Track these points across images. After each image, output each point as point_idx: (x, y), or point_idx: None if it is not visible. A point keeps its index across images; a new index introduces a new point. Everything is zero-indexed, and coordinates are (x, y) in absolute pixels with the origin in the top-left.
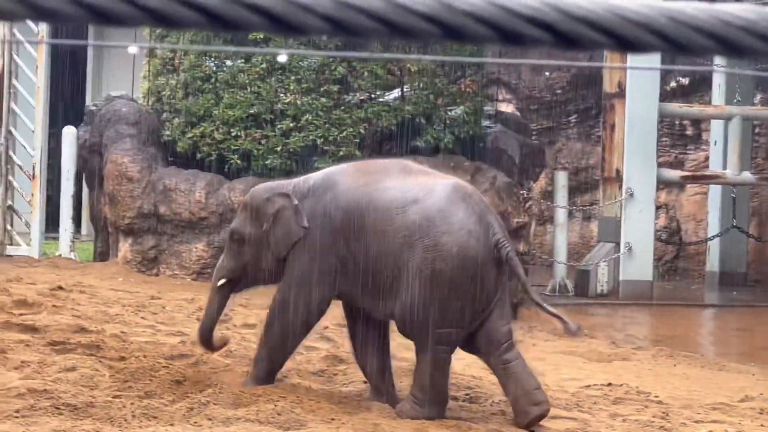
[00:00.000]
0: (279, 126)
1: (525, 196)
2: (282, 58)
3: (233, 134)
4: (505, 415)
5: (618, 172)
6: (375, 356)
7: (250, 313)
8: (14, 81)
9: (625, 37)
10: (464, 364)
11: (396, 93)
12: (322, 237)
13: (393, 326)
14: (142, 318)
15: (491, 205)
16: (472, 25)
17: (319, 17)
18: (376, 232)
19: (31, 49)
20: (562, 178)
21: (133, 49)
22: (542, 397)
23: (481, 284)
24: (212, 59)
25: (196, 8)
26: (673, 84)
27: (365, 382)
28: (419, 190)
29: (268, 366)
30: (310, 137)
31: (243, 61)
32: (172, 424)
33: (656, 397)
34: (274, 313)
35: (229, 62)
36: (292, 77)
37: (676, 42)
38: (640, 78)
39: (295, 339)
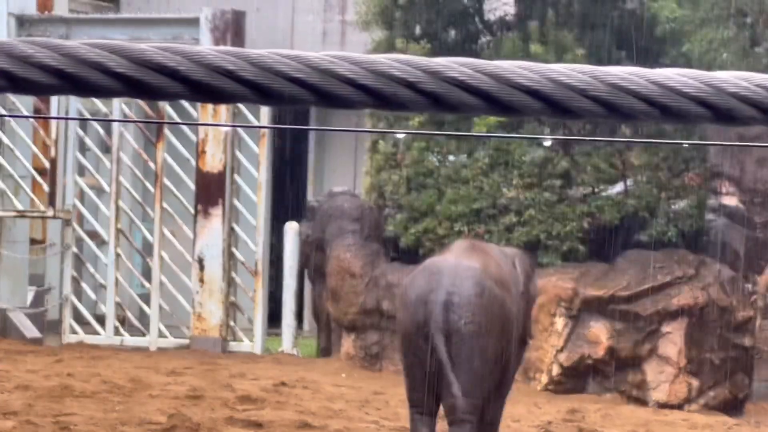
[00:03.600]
0: (502, 221)
1: (750, 289)
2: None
3: (456, 229)
4: None
5: None
6: None
7: None
8: (236, 176)
9: None
10: None
11: (619, 187)
12: None
13: None
14: (366, 413)
15: (515, 283)
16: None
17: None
18: None
19: (253, 145)
20: None
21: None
22: None
23: (413, 356)
24: (435, 154)
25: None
26: None
27: None
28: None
29: None
30: (534, 232)
31: (466, 156)
32: None
33: None
34: None
35: (451, 157)
36: (515, 172)
37: None
38: None
39: None
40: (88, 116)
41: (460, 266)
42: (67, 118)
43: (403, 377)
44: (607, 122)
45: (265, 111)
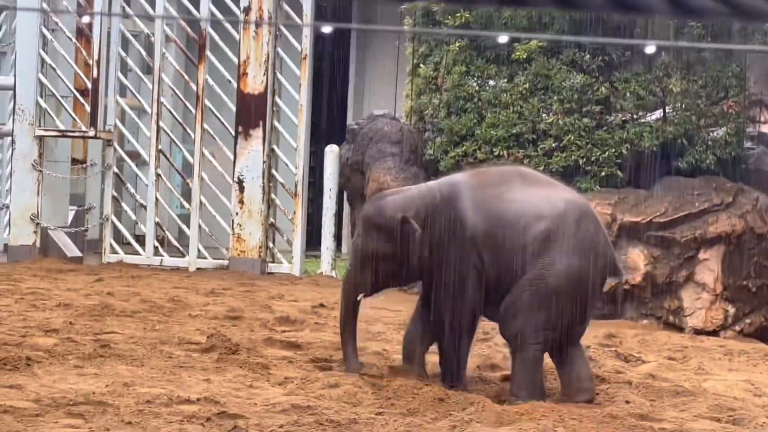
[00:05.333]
0: (541, 146)
1: None
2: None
3: (496, 153)
4: None
5: None
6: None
7: None
8: (277, 99)
9: None
10: (726, 386)
11: (658, 114)
12: (458, 247)
13: None
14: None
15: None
16: None
17: None
18: (504, 244)
19: (294, 67)
20: None
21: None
22: (589, 385)
23: (584, 301)
24: (475, 79)
25: None
26: None
27: (627, 402)
28: (543, 205)
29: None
30: (572, 157)
31: (506, 81)
32: None
33: None
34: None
35: (491, 82)
36: (555, 97)
37: None
38: None
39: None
40: (130, 38)
41: (587, 206)
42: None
43: (547, 319)
44: (646, 50)
45: (307, 32)
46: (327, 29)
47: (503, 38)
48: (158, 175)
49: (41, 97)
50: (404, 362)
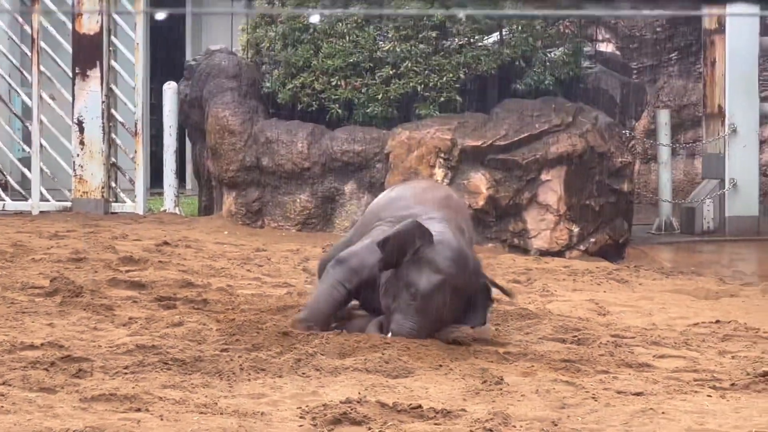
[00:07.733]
0: (379, 74)
1: (628, 135)
2: (314, 19)
3: (333, 84)
4: (614, 356)
5: (720, 108)
6: None
7: None
8: (113, 38)
9: None
10: (570, 306)
11: (495, 37)
12: None
13: None
14: (248, 271)
15: None
16: None
17: None
18: None
19: (129, 6)
20: (664, 116)
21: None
22: None
23: None
24: (310, 9)
25: None
26: None
27: (473, 327)
28: None
29: None
30: (411, 84)
31: (341, 10)
32: (280, 376)
33: (765, 332)
34: None
35: (327, 12)
36: (390, 25)
37: None
38: None
39: None
40: None
41: None
42: None
43: None
44: None
45: None
46: None
47: None
48: None
49: None
50: None
